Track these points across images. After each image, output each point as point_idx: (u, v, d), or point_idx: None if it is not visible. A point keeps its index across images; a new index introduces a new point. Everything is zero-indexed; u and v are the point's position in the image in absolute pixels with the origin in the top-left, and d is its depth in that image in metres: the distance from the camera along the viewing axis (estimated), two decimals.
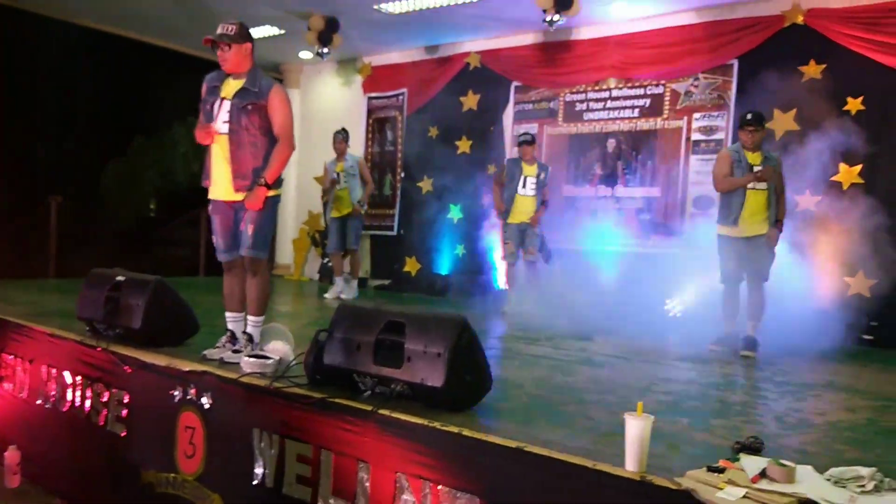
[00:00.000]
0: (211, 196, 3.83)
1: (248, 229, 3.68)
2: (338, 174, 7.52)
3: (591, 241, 7.65)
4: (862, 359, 5.39)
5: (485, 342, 4.93)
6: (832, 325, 5.83)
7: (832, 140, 6.25)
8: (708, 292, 6.08)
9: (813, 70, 6.57)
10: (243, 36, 3.73)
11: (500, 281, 8.12)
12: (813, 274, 6.34)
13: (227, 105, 3.71)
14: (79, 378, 4.12)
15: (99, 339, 4.01)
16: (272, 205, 3.78)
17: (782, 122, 6.67)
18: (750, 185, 5.14)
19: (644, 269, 7.18)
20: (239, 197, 3.69)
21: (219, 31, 3.69)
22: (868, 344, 5.98)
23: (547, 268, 7.36)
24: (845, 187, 6.41)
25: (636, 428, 2.27)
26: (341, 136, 7.72)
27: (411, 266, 9.19)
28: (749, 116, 5.22)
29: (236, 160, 3.68)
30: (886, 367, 5.12)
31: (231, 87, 3.74)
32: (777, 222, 5.22)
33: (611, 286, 7.50)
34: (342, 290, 7.58)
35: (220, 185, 3.76)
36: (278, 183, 3.80)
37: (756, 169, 5.13)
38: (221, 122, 3.71)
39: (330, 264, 9.75)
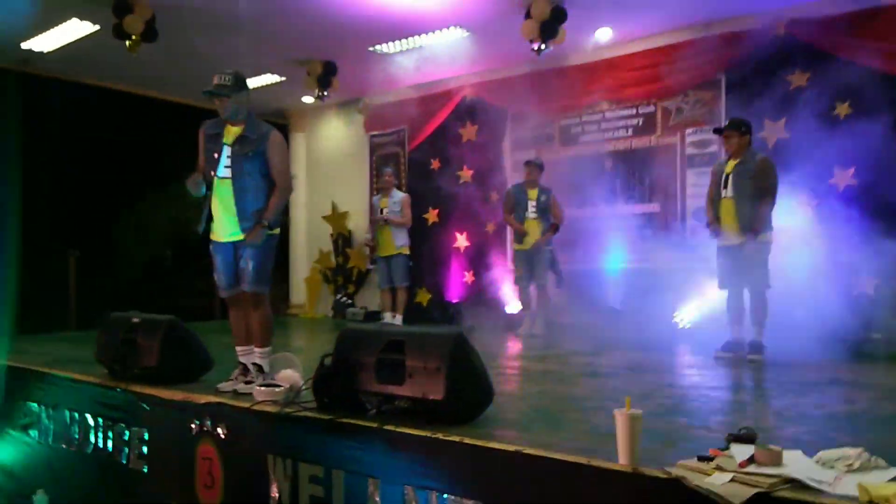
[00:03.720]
0: (213, 238, 3.99)
1: (248, 265, 3.85)
2: (381, 210, 7.65)
3: (596, 259, 7.77)
4: (869, 357, 5.44)
5: (495, 363, 5.07)
6: (840, 325, 5.89)
7: (824, 144, 6.36)
8: (714, 301, 6.16)
9: (799, 78, 6.72)
10: (238, 85, 3.90)
11: (512, 305, 8.23)
12: (818, 275, 6.40)
13: (227, 150, 3.90)
14: (100, 419, 4.27)
15: (118, 381, 4.16)
16: (271, 242, 3.95)
17: (773, 130, 6.79)
18: (722, 194, 5.33)
19: (650, 284, 7.27)
20: (241, 236, 3.85)
21: (215, 81, 3.87)
22: (875, 343, 5.99)
23: (557, 289, 7.47)
24: (841, 189, 6.49)
25: (625, 422, 2.37)
26: (389, 171, 7.79)
27: (422, 297, 9.33)
28: (726, 122, 5.41)
29: (241, 203, 3.86)
30: (892, 363, 5.17)
31: (231, 133, 3.93)
32: (751, 229, 5.21)
33: (618, 302, 7.61)
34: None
35: (223, 226, 3.93)
36: (276, 223, 3.97)
37: (729, 177, 5.29)
38: (223, 168, 3.90)
39: (342, 300, 9.95)
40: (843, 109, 6.48)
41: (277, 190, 3.91)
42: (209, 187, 3.93)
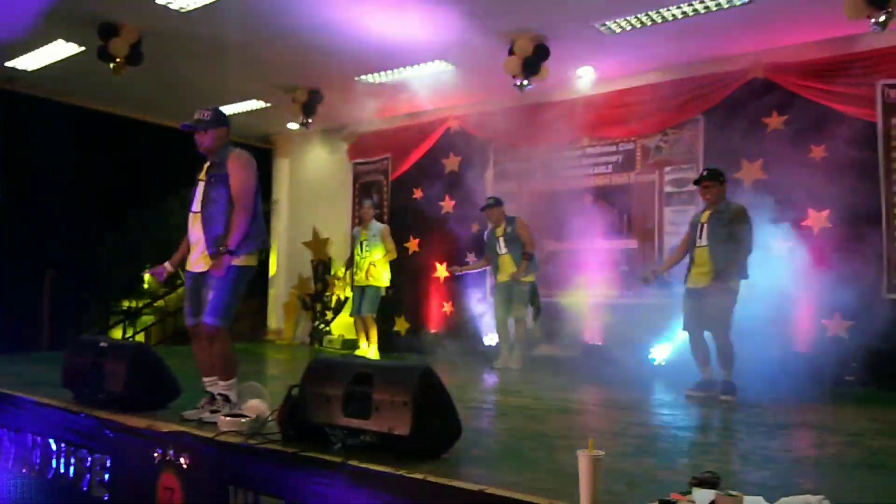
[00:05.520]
0: (187, 268, 3.97)
1: (208, 296, 3.78)
2: (361, 242, 7.71)
3: (575, 294, 7.79)
4: (841, 399, 5.46)
5: (469, 396, 5.05)
6: (813, 368, 5.95)
7: (799, 186, 6.47)
8: (688, 340, 6.18)
9: (776, 121, 6.84)
10: (217, 121, 3.89)
11: (489, 337, 8.22)
12: (791, 318, 6.47)
13: (201, 185, 3.91)
14: (63, 445, 4.18)
15: (83, 405, 4.09)
16: (238, 275, 3.79)
17: (750, 171, 6.90)
18: (697, 243, 5.43)
19: (627, 320, 7.30)
20: (208, 265, 3.80)
21: (195, 116, 3.89)
22: (849, 385, 6.05)
23: (534, 323, 7.48)
24: (816, 231, 6.58)
25: (587, 464, 2.36)
26: (368, 204, 7.96)
27: (400, 325, 9.30)
28: (705, 173, 5.52)
29: (208, 232, 3.83)
30: (863, 406, 5.20)
31: (204, 168, 3.95)
32: (720, 275, 5.23)
33: (595, 337, 7.63)
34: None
35: (195, 258, 3.91)
36: (250, 252, 3.85)
37: (703, 225, 5.40)
38: (196, 202, 3.90)
39: (320, 327, 9.90)
40: (818, 152, 6.59)
41: (236, 211, 3.76)
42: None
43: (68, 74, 7.95)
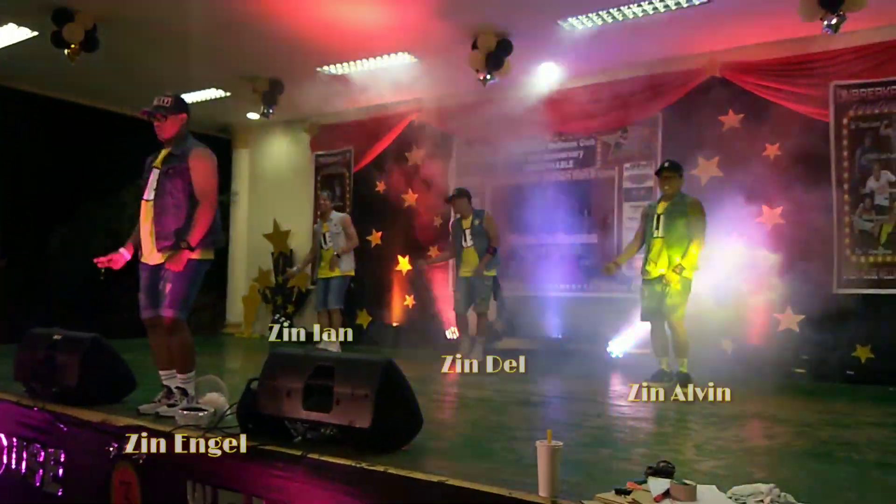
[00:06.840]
0: (141, 259, 3.92)
1: (165, 288, 3.72)
2: (324, 235, 7.66)
3: (536, 287, 7.87)
4: (791, 391, 5.63)
5: (430, 389, 5.06)
6: (765, 360, 6.13)
7: (754, 184, 6.63)
8: (645, 332, 6.30)
9: (732, 119, 6.99)
10: (178, 107, 3.86)
11: (451, 331, 8.24)
12: (745, 311, 6.63)
13: (155, 173, 3.84)
14: (14, 440, 4.08)
15: (35, 399, 4.00)
16: (196, 267, 3.78)
17: (706, 168, 7.04)
18: (654, 234, 5.51)
19: (587, 313, 7.41)
20: (163, 258, 3.75)
21: (154, 102, 3.84)
22: (799, 377, 6.23)
23: (496, 317, 7.53)
24: (769, 227, 6.74)
25: (545, 454, 2.40)
26: (325, 195, 7.91)
27: (362, 319, 9.27)
28: (667, 164, 5.59)
29: (160, 223, 3.78)
30: (812, 397, 5.36)
31: (161, 156, 3.88)
32: (677, 265, 5.36)
33: (555, 330, 7.73)
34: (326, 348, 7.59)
35: (147, 249, 3.85)
36: (208, 246, 3.83)
37: (659, 216, 5.49)
38: (150, 190, 3.83)
39: (280, 320, 9.81)
40: (772, 151, 6.75)
41: (200, 209, 3.75)
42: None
43: (20, 60, 7.70)
